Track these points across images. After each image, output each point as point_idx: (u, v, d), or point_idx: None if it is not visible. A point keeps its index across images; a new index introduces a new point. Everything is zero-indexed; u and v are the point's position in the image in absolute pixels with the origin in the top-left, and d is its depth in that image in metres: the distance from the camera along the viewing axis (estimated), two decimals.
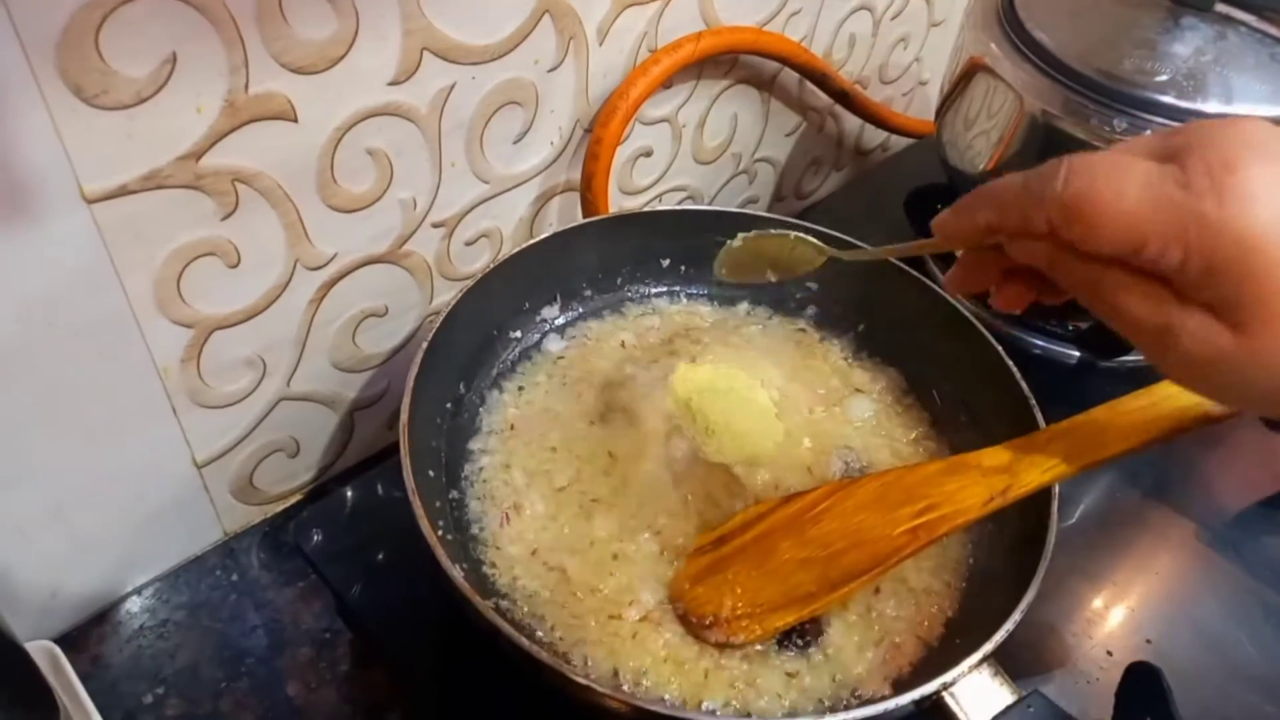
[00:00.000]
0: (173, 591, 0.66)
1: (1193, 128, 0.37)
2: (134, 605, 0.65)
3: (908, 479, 0.52)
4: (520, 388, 0.66)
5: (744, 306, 0.74)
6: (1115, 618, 0.64)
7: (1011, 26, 0.71)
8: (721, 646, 0.51)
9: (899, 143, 1.07)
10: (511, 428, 0.63)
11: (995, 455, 0.51)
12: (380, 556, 0.61)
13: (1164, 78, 0.64)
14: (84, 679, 0.56)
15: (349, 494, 0.65)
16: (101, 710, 0.55)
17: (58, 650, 0.57)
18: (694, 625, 0.52)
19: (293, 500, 0.72)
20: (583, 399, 0.65)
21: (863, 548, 0.50)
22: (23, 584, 0.59)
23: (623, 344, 0.69)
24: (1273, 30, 0.67)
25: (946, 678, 0.44)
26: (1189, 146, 0.36)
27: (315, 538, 0.62)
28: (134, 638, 0.63)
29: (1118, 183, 0.36)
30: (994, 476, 0.49)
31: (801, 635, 0.52)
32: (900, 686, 0.49)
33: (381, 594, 0.59)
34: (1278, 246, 0.33)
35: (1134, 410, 0.51)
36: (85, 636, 0.63)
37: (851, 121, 1.00)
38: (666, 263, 0.73)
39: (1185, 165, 0.35)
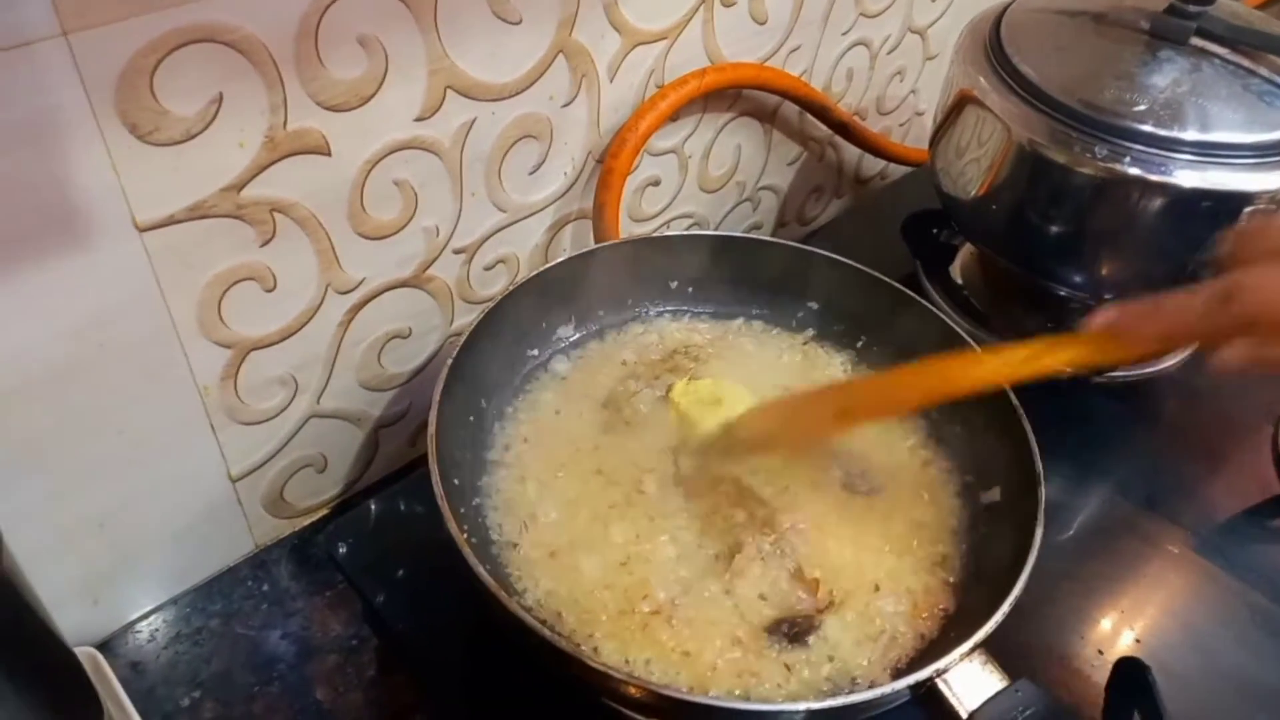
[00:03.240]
0: (207, 600, 0.69)
1: None
2: (170, 614, 0.68)
3: (925, 368, 0.59)
4: (534, 403, 0.69)
5: (740, 323, 0.76)
6: (1107, 620, 0.66)
7: (998, 60, 0.74)
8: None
9: (896, 170, 1.11)
10: (525, 441, 0.66)
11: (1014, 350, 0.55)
12: (401, 570, 0.63)
13: (1143, 107, 0.68)
14: (124, 684, 0.59)
15: (373, 507, 0.67)
16: (142, 713, 0.58)
17: (100, 656, 0.60)
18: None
19: (320, 514, 0.75)
20: (589, 414, 0.68)
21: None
22: (66, 592, 0.62)
23: (624, 362, 0.72)
24: (1245, 62, 0.70)
25: (939, 665, 0.47)
26: None
27: (342, 549, 0.65)
28: (170, 644, 0.66)
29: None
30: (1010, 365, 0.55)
31: (792, 625, 0.55)
32: (897, 675, 0.52)
33: (405, 602, 0.62)
34: None
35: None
36: (124, 643, 0.66)
37: (851, 151, 1.03)
38: (674, 284, 0.76)
39: None
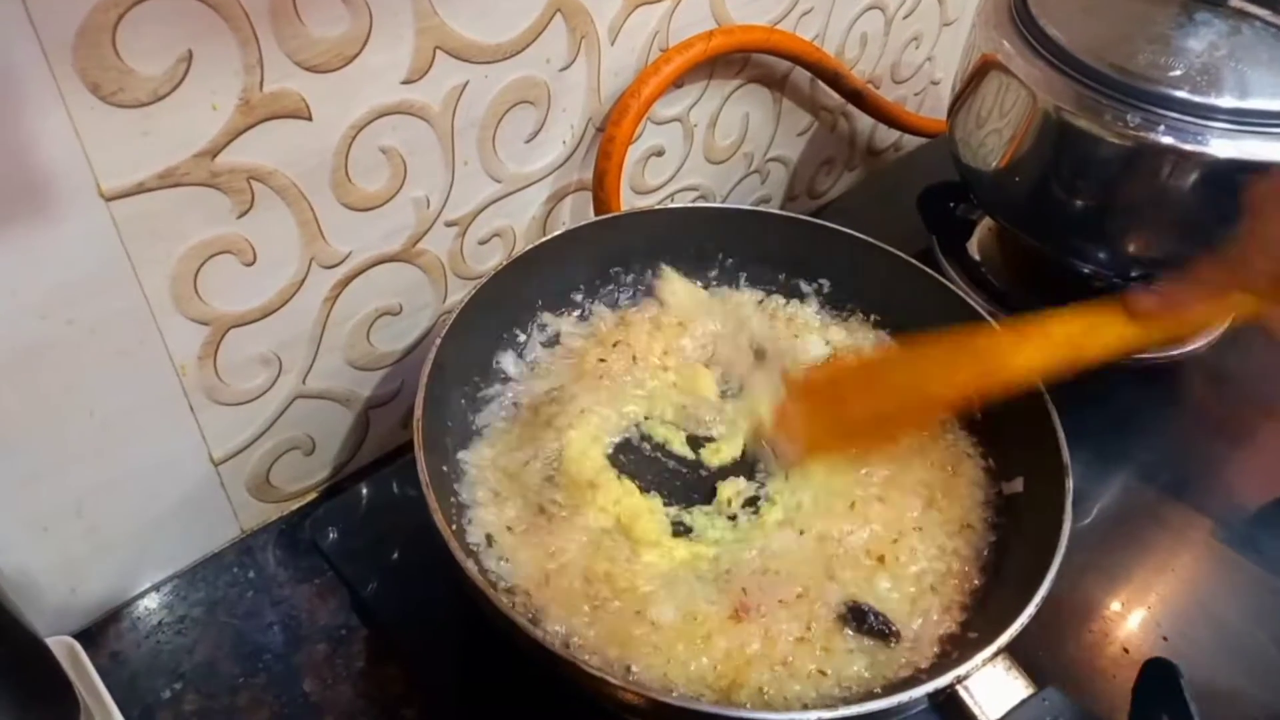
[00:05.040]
0: (190, 588, 0.66)
1: None
2: (152, 601, 0.66)
3: (976, 341, 0.58)
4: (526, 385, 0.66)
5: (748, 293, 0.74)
6: (1132, 616, 0.64)
7: (1024, 23, 0.71)
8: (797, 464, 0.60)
9: (911, 142, 1.07)
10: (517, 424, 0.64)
11: (1060, 323, 0.54)
12: (395, 554, 0.62)
13: (1178, 73, 0.64)
14: (103, 674, 0.57)
15: (364, 491, 0.66)
16: (120, 705, 0.56)
17: (77, 646, 0.58)
18: (779, 447, 0.59)
19: (309, 498, 0.72)
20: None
21: (933, 395, 0.58)
22: (43, 580, 0.59)
23: (616, 344, 0.69)
24: None
25: (960, 671, 0.44)
26: None
27: (331, 535, 0.63)
28: (152, 634, 0.64)
29: None
30: (1060, 342, 0.53)
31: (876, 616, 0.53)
32: (914, 681, 0.49)
33: (397, 590, 0.60)
34: None
35: None
36: (104, 632, 0.64)
37: (864, 121, 1.00)
38: (680, 259, 0.73)
39: None
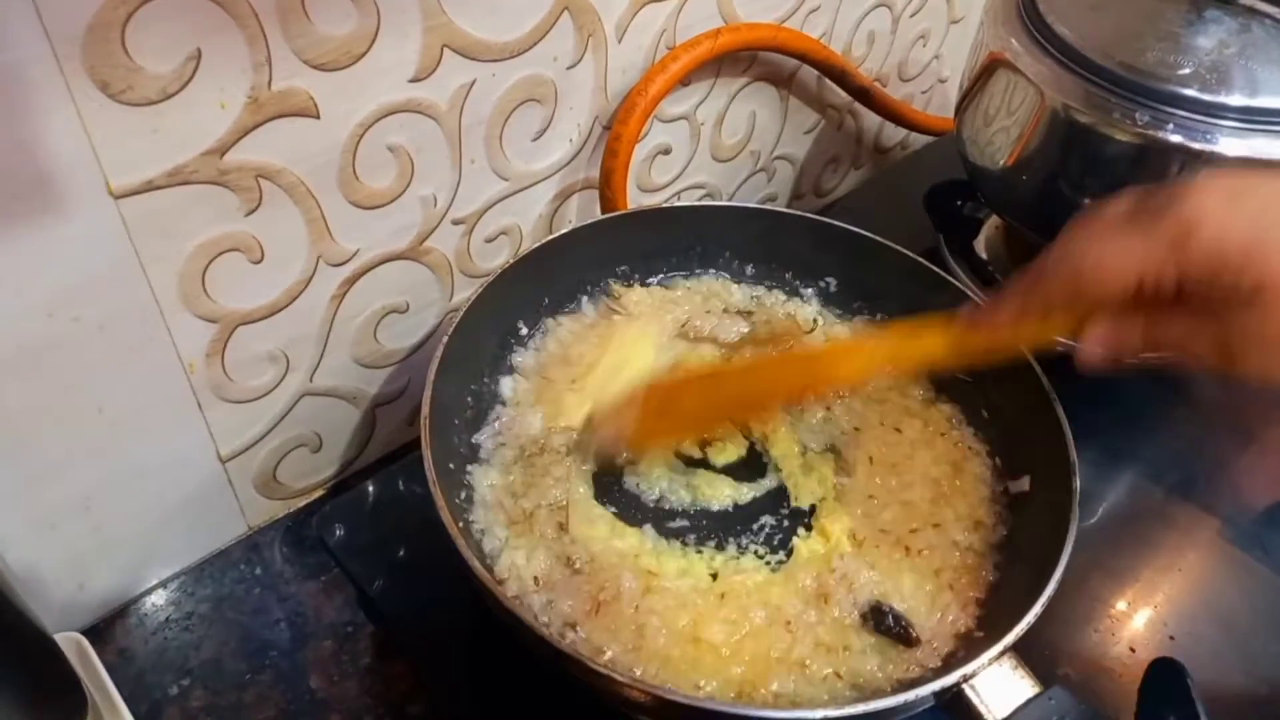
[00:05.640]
0: (197, 585, 0.67)
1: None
2: (159, 598, 0.66)
3: (812, 352, 0.63)
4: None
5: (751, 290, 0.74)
6: (1139, 615, 0.63)
7: (1032, 21, 0.70)
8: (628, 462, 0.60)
9: (918, 140, 1.07)
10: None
11: (893, 330, 0.56)
12: (402, 551, 0.62)
13: (1187, 71, 0.64)
14: (110, 670, 0.57)
15: (371, 489, 0.65)
16: (128, 701, 0.56)
17: (85, 642, 0.58)
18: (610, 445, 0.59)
19: (315, 495, 0.73)
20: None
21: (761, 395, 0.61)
22: (51, 577, 0.60)
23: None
24: None
25: (967, 670, 0.43)
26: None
27: (338, 532, 0.62)
28: (159, 630, 0.64)
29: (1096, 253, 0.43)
30: (886, 343, 0.56)
31: (896, 620, 0.52)
32: (919, 681, 0.49)
33: (403, 588, 0.60)
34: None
35: None
36: (111, 629, 0.64)
37: (870, 119, 0.99)
38: (685, 258, 0.73)
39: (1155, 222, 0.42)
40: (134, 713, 0.55)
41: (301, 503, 0.72)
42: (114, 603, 0.65)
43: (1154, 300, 0.43)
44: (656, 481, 0.61)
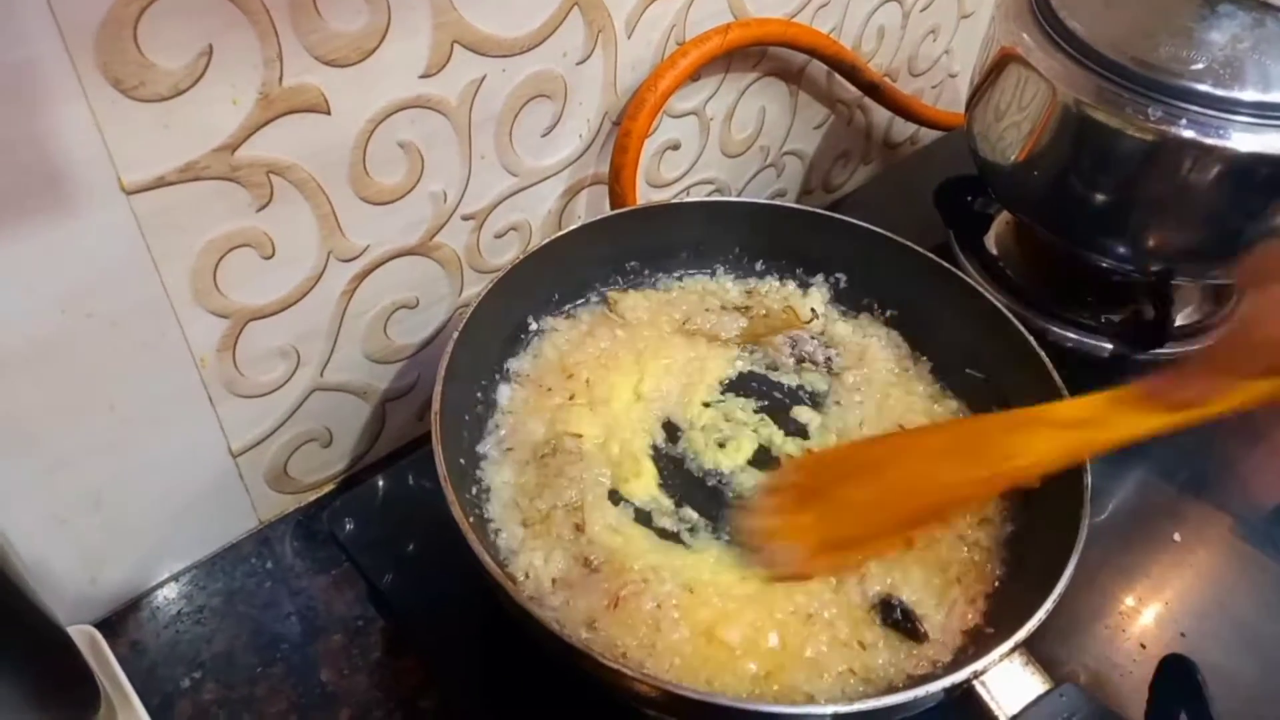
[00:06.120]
0: (208, 578, 0.67)
1: None
2: (171, 592, 0.66)
3: (980, 428, 0.53)
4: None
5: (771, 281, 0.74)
6: (1149, 612, 0.63)
7: (1044, 15, 0.70)
8: (796, 579, 0.52)
9: (928, 135, 1.06)
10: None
11: (1070, 409, 0.51)
12: (412, 545, 0.62)
13: (1200, 66, 0.63)
14: (123, 663, 0.57)
15: (381, 483, 0.66)
16: (140, 694, 0.56)
17: (98, 635, 0.59)
18: (770, 561, 0.51)
19: (326, 489, 0.73)
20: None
21: (938, 492, 0.50)
22: (63, 570, 0.60)
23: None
24: None
25: (977, 666, 0.43)
26: None
27: (348, 526, 0.63)
28: (171, 623, 0.65)
29: None
30: (1071, 430, 0.49)
31: (905, 614, 0.52)
32: (932, 676, 0.49)
33: (414, 582, 0.60)
34: None
35: None
36: (123, 622, 0.64)
37: (880, 114, 0.99)
38: (695, 254, 0.73)
39: None
40: (146, 705, 0.56)
41: (312, 497, 0.72)
42: (126, 596, 0.65)
43: None
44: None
